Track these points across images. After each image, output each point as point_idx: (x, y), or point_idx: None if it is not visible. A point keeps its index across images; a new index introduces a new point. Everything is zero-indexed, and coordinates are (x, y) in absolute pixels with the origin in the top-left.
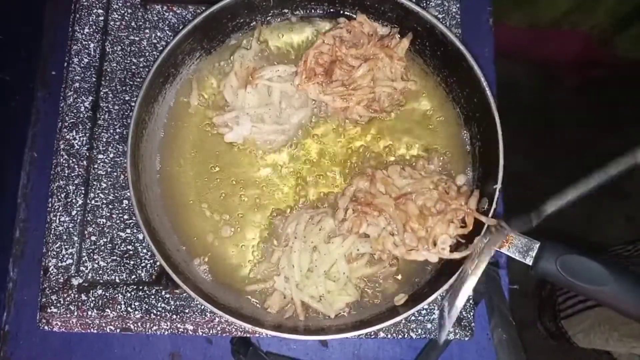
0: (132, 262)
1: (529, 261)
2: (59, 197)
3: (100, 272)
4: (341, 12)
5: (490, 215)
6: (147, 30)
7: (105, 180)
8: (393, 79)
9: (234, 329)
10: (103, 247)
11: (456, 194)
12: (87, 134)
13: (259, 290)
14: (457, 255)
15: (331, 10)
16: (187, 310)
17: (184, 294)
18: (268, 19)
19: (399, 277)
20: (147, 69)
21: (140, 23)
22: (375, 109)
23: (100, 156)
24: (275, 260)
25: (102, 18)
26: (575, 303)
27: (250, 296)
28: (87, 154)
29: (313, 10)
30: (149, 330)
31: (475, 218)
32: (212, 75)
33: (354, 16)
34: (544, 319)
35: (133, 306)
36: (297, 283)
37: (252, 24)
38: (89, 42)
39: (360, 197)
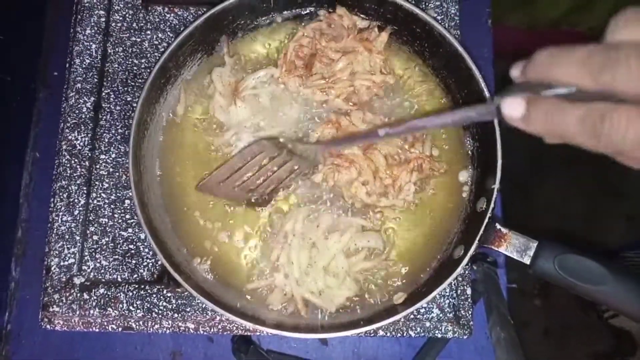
0: (134, 261)
1: (526, 260)
2: (61, 197)
3: (102, 271)
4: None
5: (488, 214)
6: (148, 32)
7: (107, 180)
8: (372, 72)
9: (235, 328)
10: (105, 247)
11: (413, 140)
12: (89, 135)
13: (260, 288)
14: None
15: (330, 9)
16: (188, 309)
17: (186, 293)
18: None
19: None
20: (148, 70)
21: (142, 24)
22: (355, 103)
23: (102, 156)
24: (274, 257)
25: (103, 19)
26: None
27: (251, 295)
28: (89, 154)
29: (310, 9)
30: (151, 329)
31: None
32: (197, 103)
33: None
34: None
35: (135, 305)
36: (296, 279)
37: (251, 26)
38: (91, 43)
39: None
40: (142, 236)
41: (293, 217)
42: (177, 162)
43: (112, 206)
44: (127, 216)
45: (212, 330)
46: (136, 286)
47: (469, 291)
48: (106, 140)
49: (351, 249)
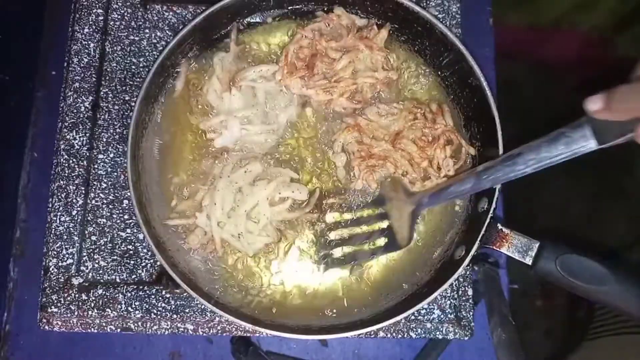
0: (132, 262)
1: (528, 261)
2: (60, 197)
3: (101, 271)
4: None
5: (489, 215)
6: (147, 30)
7: (105, 180)
8: (374, 69)
9: (234, 329)
10: (103, 247)
11: (433, 115)
12: (87, 134)
13: (182, 226)
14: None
15: (328, 6)
16: (187, 310)
17: (184, 294)
18: (248, 19)
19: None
20: (147, 69)
21: (140, 23)
22: (359, 100)
23: (101, 156)
24: (199, 198)
25: (101, 18)
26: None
27: (173, 230)
28: (88, 154)
29: (309, 7)
30: (150, 330)
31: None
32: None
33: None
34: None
35: (133, 306)
36: (218, 221)
37: (250, 24)
38: (89, 42)
39: (357, 151)
40: (141, 236)
41: (223, 161)
42: (176, 163)
43: (110, 206)
44: (126, 216)
45: (211, 331)
46: (135, 287)
47: (470, 292)
48: (104, 139)
49: (276, 198)
